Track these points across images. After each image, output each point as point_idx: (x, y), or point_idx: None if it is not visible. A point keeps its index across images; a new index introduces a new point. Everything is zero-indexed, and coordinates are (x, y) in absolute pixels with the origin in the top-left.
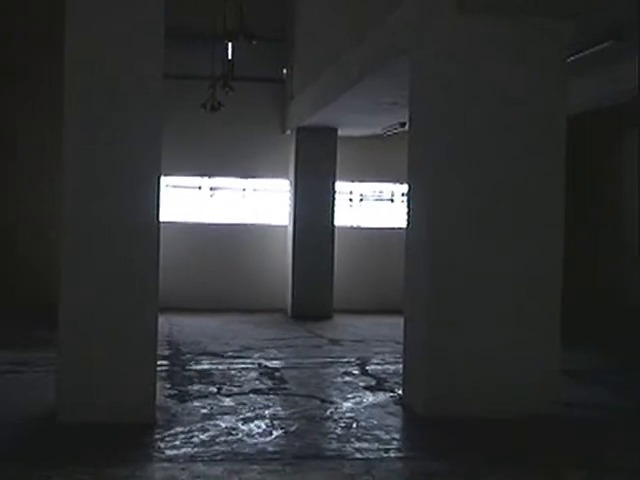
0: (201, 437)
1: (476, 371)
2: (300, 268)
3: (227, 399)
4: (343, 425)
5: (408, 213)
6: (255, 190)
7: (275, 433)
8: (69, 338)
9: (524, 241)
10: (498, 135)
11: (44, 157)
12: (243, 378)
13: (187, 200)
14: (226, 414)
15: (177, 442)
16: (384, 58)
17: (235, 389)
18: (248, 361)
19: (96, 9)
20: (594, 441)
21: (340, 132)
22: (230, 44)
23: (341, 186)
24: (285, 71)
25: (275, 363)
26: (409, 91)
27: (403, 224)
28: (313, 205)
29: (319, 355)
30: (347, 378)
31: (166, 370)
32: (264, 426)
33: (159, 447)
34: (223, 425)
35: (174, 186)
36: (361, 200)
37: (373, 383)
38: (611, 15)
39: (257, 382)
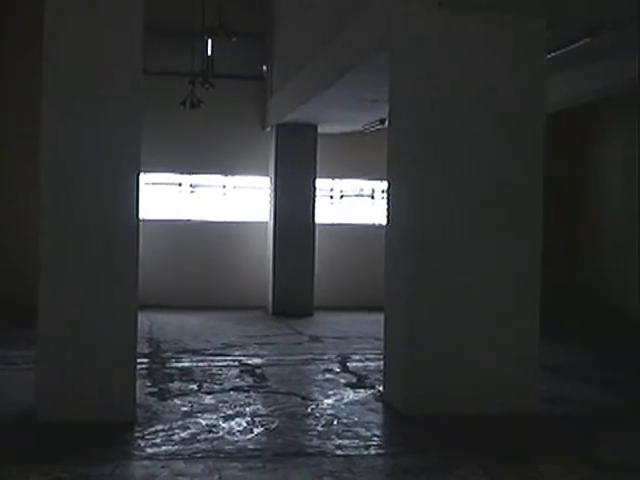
0: (182, 435)
1: (456, 368)
2: (281, 265)
3: (208, 397)
4: (324, 422)
5: (388, 210)
6: (235, 187)
7: (256, 430)
8: (48, 336)
9: (503, 239)
10: (477, 132)
11: (22, 157)
12: (224, 376)
13: (167, 197)
14: (207, 412)
15: (157, 440)
16: (364, 54)
17: (216, 387)
18: (229, 358)
19: (74, 5)
20: (574, 436)
21: (320, 129)
22: (209, 41)
23: (321, 183)
24: (265, 68)
25: (256, 360)
26: (389, 87)
27: (383, 221)
28: (293, 202)
29: (300, 352)
30: (328, 375)
31: (146, 368)
32: (245, 424)
33: (139, 445)
34: (204, 423)
35: (154, 183)
36: (341, 197)
37: (354, 380)
38: (586, 13)
39: (238, 380)
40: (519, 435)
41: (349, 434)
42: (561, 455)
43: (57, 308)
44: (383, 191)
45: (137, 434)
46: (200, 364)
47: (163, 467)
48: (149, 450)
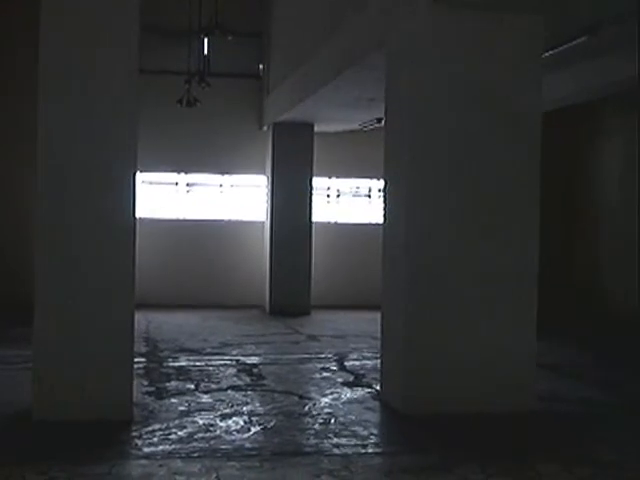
0: (179, 434)
1: (454, 367)
2: (278, 264)
3: (205, 396)
4: (321, 421)
5: (385, 209)
6: (232, 186)
7: (253, 429)
8: (44, 336)
9: (500, 238)
10: (474, 131)
11: (21, 159)
12: (221, 375)
13: (164, 196)
14: (204, 411)
15: (155, 439)
16: (361, 53)
17: (213, 386)
18: (226, 357)
19: (70, 4)
20: (572, 435)
21: (317, 128)
22: (206, 39)
23: (318, 182)
24: (261, 66)
25: (253, 359)
26: (385, 86)
27: (380, 220)
28: (290, 201)
29: (297, 351)
30: (325, 374)
31: (143, 367)
32: (242, 422)
33: (136, 444)
34: (201, 422)
35: (150, 182)
36: (338, 196)
37: (351, 379)
38: (583, 12)
39: (235, 378)
40: (517, 434)
41: (346, 433)
42: (558, 454)
43: (53, 308)
44: (380, 190)
45: (134, 433)
46: (197, 363)
47: (160, 466)
48: (146, 449)
